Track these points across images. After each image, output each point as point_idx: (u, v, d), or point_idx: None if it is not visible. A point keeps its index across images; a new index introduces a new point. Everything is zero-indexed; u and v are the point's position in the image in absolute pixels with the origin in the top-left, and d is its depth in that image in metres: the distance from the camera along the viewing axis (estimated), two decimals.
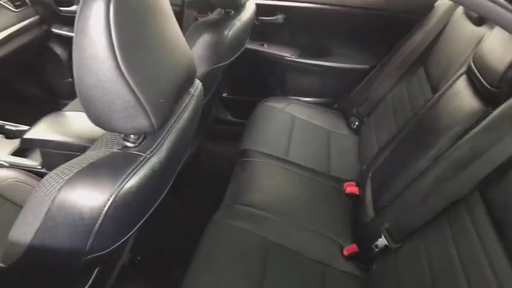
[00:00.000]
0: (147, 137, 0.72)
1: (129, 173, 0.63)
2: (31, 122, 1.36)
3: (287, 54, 1.92)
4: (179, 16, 1.85)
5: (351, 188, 1.44)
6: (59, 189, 0.61)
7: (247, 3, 1.49)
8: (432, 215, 0.99)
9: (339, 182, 1.49)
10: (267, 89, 2.01)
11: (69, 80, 2.10)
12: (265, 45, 1.95)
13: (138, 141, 0.70)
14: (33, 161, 1.40)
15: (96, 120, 0.64)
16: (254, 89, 2.05)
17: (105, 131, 0.71)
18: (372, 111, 1.73)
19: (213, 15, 1.38)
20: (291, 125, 1.70)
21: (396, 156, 1.35)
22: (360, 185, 1.44)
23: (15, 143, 1.44)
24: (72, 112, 1.45)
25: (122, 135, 0.70)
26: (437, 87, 1.38)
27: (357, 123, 1.77)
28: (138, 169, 0.65)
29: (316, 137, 1.70)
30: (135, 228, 0.76)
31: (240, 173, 1.46)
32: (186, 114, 0.83)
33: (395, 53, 1.72)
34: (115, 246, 0.72)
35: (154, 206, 0.82)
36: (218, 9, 1.41)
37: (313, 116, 1.80)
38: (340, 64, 1.90)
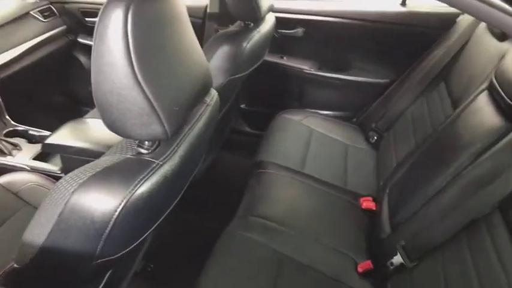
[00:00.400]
0: (161, 144, 0.73)
1: (141, 179, 0.64)
2: (54, 128, 1.40)
3: (306, 67, 1.92)
4: (200, 28, 1.88)
5: (368, 203, 1.42)
6: (73, 192, 0.62)
7: (267, 16, 1.51)
8: (450, 233, 0.96)
9: (355, 196, 1.47)
10: (285, 101, 2.01)
11: None
12: (284, 58, 1.95)
13: (152, 148, 0.71)
14: (53, 166, 1.44)
15: (111, 126, 0.66)
16: (272, 101, 2.06)
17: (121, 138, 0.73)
18: (390, 126, 1.70)
19: (232, 28, 1.40)
20: (308, 138, 1.70)
21: (414, 172, 1.32)
22: (377, 200, 1.42)
23: (37, 148, 1.49)
24: (93, 119, 1.48)
25: (137, 142, 0.71)
26: (458, 102, 1.35)
27: (375, 137, 1.75)
28: (150, 175, 0.66)
29: (333, 151, 1.69)
30: (145, 235, 0.77)
31: (255, 184, 1.46)
32: (200, 123, 0.84)
33: (416, 68, 1.70)
34: (125, 251, 0.72)
35: (165, 214, 0.83)
36: (238, 22, 1.43)
37: (331, 129, 1.79)
38: (359, 78, 1.89)
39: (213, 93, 0.95)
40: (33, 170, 1.41)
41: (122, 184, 0.63)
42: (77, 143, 1.33)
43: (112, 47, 0.58)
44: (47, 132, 1.49)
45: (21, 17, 1.77)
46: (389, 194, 1.37)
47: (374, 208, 1.40)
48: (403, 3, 1.78)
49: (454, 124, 1.25)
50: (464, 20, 1.58)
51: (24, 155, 1.47)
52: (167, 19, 0.67)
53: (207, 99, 0.91)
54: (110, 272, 0.85)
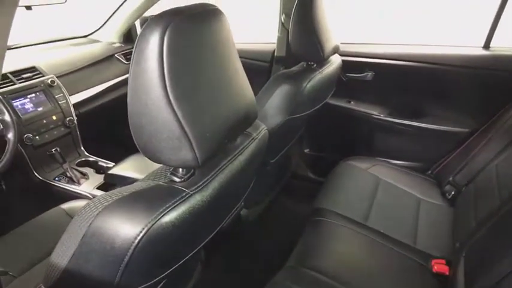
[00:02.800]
0: (196, 174, 0.69)
1: (168, 207, 0.61)
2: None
3: (375, 112, 1.82)
4: (268, 71, 1.90)
5: (440, 267, 1.23)
6: (97, 215, 0.60)
7: (332, 58, 1.47)
8: None
9: (425, 257, 1.29)
10: (352, 148, 1.91)
11: None
12: (352, 102, 1.88)
13: (186, 177, 0.68)
14: None
15: (143, 148, 0.64)
16: (338, 147, 1.97)
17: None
18: (471, 180, 1.50)
19: (295, 68, 1.38)
20: (374, 188, 1.56)
21: (498, 234, 1.13)
22: (451, 264, 1.23)
23: (101, 178, 1.56)
24: None
25: (171, 169, 0.69)
26: None
27: (452, 192, 1.55)
28: (178, 204, 0.62)
29: (403, 204, 1.53)
30: (170, 270, 0.72)
31: (310, 232, 1.35)
32: (242, 157, 0.80)
33: (502, 116, 1.51)
34: (147, 285, 0.68)
35: (192, 253, 0.77)
36: (301, 63, 1.41)
37: (402, 180, 1.63)
38: (435, 126, 1.73)
39: (261, 128, 0.91)
40: None
41: (146, 210, 0.60)
42: (135, 175, 1.36)
43: (147, 68, 0.58)
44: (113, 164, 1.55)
45: (107, 59, 1.95)
46: (467, 258, 1.18)
47: (447, 273, 1.21)
48: (487, 46, 1.62)
49: None
50: None
51: (90, 184, 1.54)
52: (208, 44, 0.66)
53: (253, 133, 0.87)
54: None
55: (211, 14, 0.67)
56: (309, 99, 1.32)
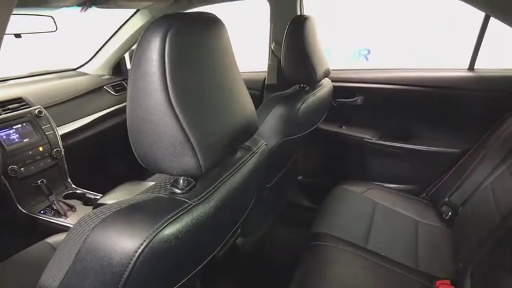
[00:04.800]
0: (197, 186, 0.66)
1: (169, 218, 0.57)
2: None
3: (367, 136, 1.82)
4: (259, 99, 1.91)
5: None
6: (93, 228, 0.56)
7: (324, 81, 1.49)
8: None
9: (429, 279, 1.25)
10: (345, 173, 1.90)
11: None
12: (343, 127, 1.89)
13: (187, 189, 0.64)
14: None
15: (142, 157, 0.61)
16: (331, 173, 1.96)
17: None
18: (467, 200, 1.50)
19: (288, 90, 1.39)
20: (371, 211, 1.54)
21: (503, 250, 1.10)
22: (456, 284, 1.19)
23: (89, 210, 1.49)
24: (146, 182, 1.47)
25: (171, 181, 0.65)
26: None
27: (449, 213, 1.54)
28: (180, 215, 0.58)
29: (401, 227, 1.50)
30: (177, 286, 0.67)
31: (309, 257, 1.30)
32: (243, 170, 0.77)
33: (492, 135, 1.53)
34: None
35: (195, 271, 0.72)
36: (295, 86, 1.42)
37: (398, 203, 1.61)
38: (426, 147, 1.74)
39: (261, 143, 0.89)
40: None
41: (146, 222, 0.55)
42: None
43: (148, 70, 0.56)
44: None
45: (95, 90, 1.93)
46: (472, 276, 1.14)
47: None
48: (471, 68, 1.67)
49: None
50: None
51: (78, 216, 1.47)
52: (209, 50, 0.65)
53: (253, 147, 0.85)
54: None
55: (211, 21, 0.67)
56: (304, 121, 1.32)
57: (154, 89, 0.56)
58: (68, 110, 1.75)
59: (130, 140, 0.62)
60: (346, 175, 1.83)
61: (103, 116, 1.90)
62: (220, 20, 0.69)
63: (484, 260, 1.15)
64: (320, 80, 1.40)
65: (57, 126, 1.62)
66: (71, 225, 1.40)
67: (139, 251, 0.53)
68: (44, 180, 1.52)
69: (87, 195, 1.60)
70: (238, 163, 0.78)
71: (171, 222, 0.57)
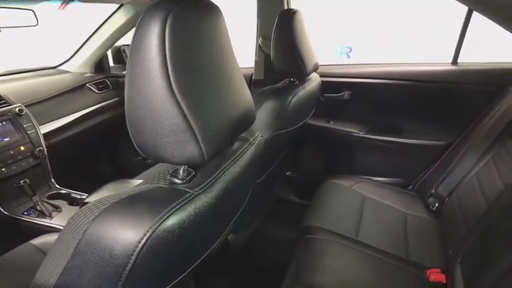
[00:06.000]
0: (197, 176, 0.65)
1: (172, 208, 0.55)
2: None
3: (354, 130, 1.84)
4: None
5: (436, 276, 1.21)
6: (92, 220, 0.53)
7: (313, 76, 1.49)
8: None
9: (420, 268, 1.27)
10: (333, 168, 1.91)
11: (139, 158, 2.18)
12: (331, 122, 1.90)
13: (187, 179, 0.63)
14: None
15: (142, 147, 0.59)
16: (319, 168, 1.97)
17: None
18: (453, 190, 1.53)
19: (278, 84, 1.39)
20: (360, 204, 1.55)
21: (491, 237, 1.13)
22: (447, 272, 1.21)
23: (75, 210, 1.45)
24: (134, 180, 1.44)
25: (170, 172, 0.64)
26: None
27: (436, 204, 1.57)
28: (183, 205, 0.57)
29: (390, 219, 1.52)
30: (175, 281, 0.65)
31: (302, 251, 1.30)
32: (241, 161, 0.76)
33: (475, 127, 1.57)
34: None
35: (199, 261, 0.71)
36: (284, 80, 1.42)
37: (386, 196, 1.63)
38: (412, 141, 1.77)
39: (257, 134, 0.88)
40: None
41: (148, 212, 0.54)
42: None
43: (147, 55, 0.54)
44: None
45: (77, 89, 1.88)
46: (463, 264, 1.17)
47: (444, 281, 1.20)
48: (455, 62, 1.71)
49: None
50: None
51: (64, 216, 1.43)
52: (208, 36, 0.63)
53: (250, 138, 0.84)
54: None
55: (209, 7, 0.65)
56: (294, 115, 1.32)
57: (154, 75, 0.54)
58: (50, 109, 1.70)
59: (128, 129, 0.60)
60: (334, 170, 1.85)
61: (86, 114, 1.85)
62: (218, 7, 0.68)
63: (473, 248, 1.17)
64: (310, 74, 1.40)
65: (39, 125, 1.56)
66: (57, 226, 1.37)
67: (143, 241, 0.51)
68: (27, 181, 1.46)
69: (73, 195, 1.56)
70: (236, 153, 0.77)
71: (174, 211, 0.55)
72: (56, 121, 1.70)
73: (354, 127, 1.86)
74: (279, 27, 1.33)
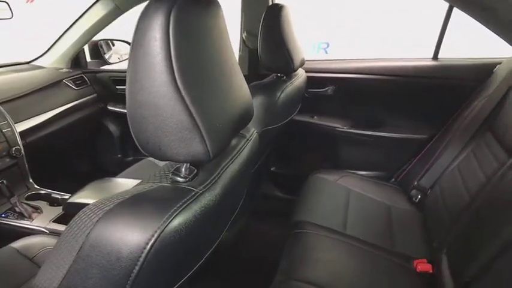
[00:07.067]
0: (199, 175, 0.63)
1: (179, 207, 0.54)
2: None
3: (338, 125, 1.86)
4: None
5: (423, 266, 1.25)
6: (96, 222, 0.51)
7: (299, 71, 1.50)
8: None
9: (407, 259, 1.30)
10: (318, 163, 1.93)
11: (119, 156, 2.13)
12: (315, 117, 1.91)
13: (190, 177, 0.61)
14: None
15: (145, 146, 0.57)
16: (304, 163, 1.98)
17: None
18: (435, 182, 1.57)
19: (266, 80, 1.38)
20: (346, 198, 1.58)
21: (475, 225, 1.17)
22: (433, 262, 1.24)
23: (58, 210, 1.40)
24: (118, 178, 1.41)
25: (172, 170, 0.62)
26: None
27: (419, 196, 1.61)
28: (189, 204, 0.55)
29: (375, 212, 1.55)
30: (181, 281, 0.64)
31: (293, 245, 1.31)
32: (240, 158, 0.75)
33: (456, 121, 1.62)
34: None
35: (202, 260, 0.70)
36: (271, 75, 1.41)
37: (369, 189, 1.66)
38: (395, 134, 1.81)
39: (252, 130, 0.87)
40: (53, 233, 1.31)
41: (155, 212, 0.52)
42: None
43: (151, 50, 0.52)
44: (69, 196, 1.41)
45: (54, 85, 1.81)
46: (448, 253, 1.20)
47: (431, 271, 1.23)
48: (435, 57, 1.75)
49: None
50: (503, 68, 1.54)
51: (45, 217, 1.37)
52: (210, 31, 0.62)
53: (247, 134, 0.83)
54: None
55: (209, 0, 0.64)
56: (282, 111, 1.32)
57: (159, 70, 0.52)
58: (26, 106, 1.63)
59: (130, 127, 0.57)
60: (318, 164, 1.86)
61: (64, 111, 1.79)
62: (218, 1, 0.66)
63: (458, 238, 1.21)
64: (297, 69, 1.40)
65: (15, 123, 1.49)
66: (39, 228, 1.32)
67: (151, 242, 0.50)
68: (4, 181, 1.40)
69: (53, 195, 1.50)
70: (236, 150, 0.76)
71: (180, 211, 0.54)
72: (32, 119, 1.63)
73: (337, 122, 1.88)
74: (266, 23, 1.32)
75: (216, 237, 0.76)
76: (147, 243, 0.50)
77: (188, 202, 0.56)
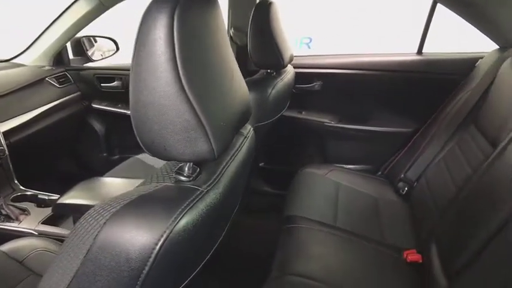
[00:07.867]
0: (202, 173, 0.63)
1: (186, 207, 0.54)
2: (63, 193, 1.30)
3: (326, 120, 1.88)
4: None
5: (413, 256, 1.28)
6: (104, 224, 0.51)
7: (288, 67, 1.50)
8: None
9: (397, 250, 1.33)
10: (306, 158, 1.95)
11: (104, 154, 2.10)
12: (303, 112, 1.93)
13: (193, 176, 0.61)
14: (64, 230, 1.32)
15: (149, 145, 0.57)
16: (292, 158, 2.00)
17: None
18: (421, 175, 1.61)
19: (256, 76, 1.39)
20: (335, 192, 1.60)
21: (463, 215, 1.21)
22: (423, 252, 1.28)
23: (46, 212, 1.38)
24: (107, 178, 1.39)
25: (175, 169, 0.62)
26: (496, 141, 1.28)
27: (406, 188, 1.64)
28: (195, 203, 0.56)
29: (363, 204, 1.58)
30: (188, 280, 0.64)
31: (286, 240, 1.33)
32: (240, 155, 0.76)
33: (440, 114, 1.66)
34: None
35: (207, 257, 0.71)
36: (261, 71, 1.42)
37: (358, 182, 1.69)
38: (381, 128, 1.85)
39: (249, 128, 0.88)
40: (42, 235, 1.29)
41: (163, 213, 0.52)
42: (89, 202, 1.21)
43: (155, 50, 0.51)
44: (57, 196, 1.38)
45: (36, 83, 1.77)
46: (437, 243, 1.24)
47: (420, 261, 1.26)
48: (420, 52, 1.79)
49: (501, 160, 1.17)
50: (485, 62, 1.58)
51: (33, 219, 1.35)
52: (212, 29, 0.62)
53: (244, 132, 0.84)
54: None
55: None
56: (273, 107, 1.33)
57: (164, 70, 0.52)
58: (8, 105, 1.59)
59: (134, 127, 0.57)
60: (306, 160, 1.88)
61: (48, 110, 1.75)
62: None
63: (447, 228, 1.24)
64: (287, 65, 1.41)
65: None
66: (27, 230, 1.29)
67: (160, 243, 0.50)
68: None
69: (40, 196, 1.48)
70: (235, 148, 0.76)
71: (188, 210, 0.54)
72: (15, 118, 1.59)
73: (325, 117, 1.90)
74: (256, 19, 1.32)
75: (219, 235, 0.77)
76: (157, 244, 0.50)
77: (195, 201, 0.56)
